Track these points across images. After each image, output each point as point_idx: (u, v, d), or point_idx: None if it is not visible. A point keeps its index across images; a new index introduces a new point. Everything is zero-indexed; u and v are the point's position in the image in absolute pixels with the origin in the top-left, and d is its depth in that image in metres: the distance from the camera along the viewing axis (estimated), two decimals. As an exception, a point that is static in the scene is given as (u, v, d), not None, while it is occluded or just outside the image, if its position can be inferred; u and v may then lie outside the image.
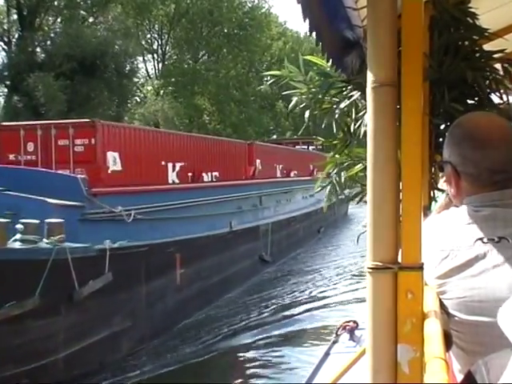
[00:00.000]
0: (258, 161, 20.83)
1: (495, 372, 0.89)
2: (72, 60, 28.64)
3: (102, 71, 30.93)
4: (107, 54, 30.40)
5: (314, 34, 2.10)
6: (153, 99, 42.52)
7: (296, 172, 26.62)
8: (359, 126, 3.37)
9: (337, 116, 3.59)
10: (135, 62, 38.12)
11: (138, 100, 45.00)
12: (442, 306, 1.38)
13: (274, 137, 53.84)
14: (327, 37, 2.30)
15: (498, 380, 0.87)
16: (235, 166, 19.66)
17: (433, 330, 1.07)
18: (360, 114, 3.37)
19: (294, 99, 3.85)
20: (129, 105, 40.47)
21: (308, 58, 4.16)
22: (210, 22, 48.74)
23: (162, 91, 45.64)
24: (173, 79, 48.13)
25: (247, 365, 11.03)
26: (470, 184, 1.47)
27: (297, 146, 33.24)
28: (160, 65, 49.39)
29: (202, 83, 48.30)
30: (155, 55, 49.52)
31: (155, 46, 49.64)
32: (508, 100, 3.00)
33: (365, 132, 3.10)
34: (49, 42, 31.81)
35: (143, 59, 49.39)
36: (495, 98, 3.02)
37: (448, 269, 1.39)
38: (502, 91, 2.97)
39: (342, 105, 3.44)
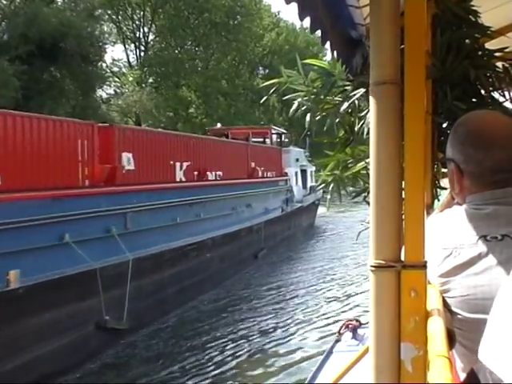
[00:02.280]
0: (125, 155, 12.90)
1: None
2: (29, 42, 25.53)
3: (64, 56, 27.86)
4: (68, 37, 27.18)
5: (318, 32, 2.10)
6: (131, 90, 40.27)
7: (220, 173, 18.37)
8: (362, 124, 3.37)
9: (339, 116, 3.58)
10: (104, 47, 35.00)
11: (118, 91, 42.99)
12: (446, 304, 1.38)
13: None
14: (333, 36, 2.30)
15: (502, 378, 0.86)
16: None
17: (436, 328, 1.07)
18: (363, 112, 3.37)
19: (295, 103, 3.81)
20: (99, 95, 37.76)
21: (307, 61, 4.14)
22: (196, 8, 46.04)
23: (142, 81, 43.56)
24: (154, 69, 45.64)
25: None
26: (472, 182, 1.47)
27: (253, 139, 25.92)
28: (143, 54, 47.06)
29: (187, 74, 46.05)
30: (137, 44, 47.10)
31: (138, 34, 47.12)
32: (511, 98, 3.00)
33: (368, 130, 3.10)
34: (3, 23, 28.63)
35: (124, 48, 47.38)
36: (497, 96, 3.02)
37: (451, 267, 1.39)
38: (504, 89, 2.97)
39: (345, 104, 3.43)
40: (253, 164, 21.78)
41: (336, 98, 3.61)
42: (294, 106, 3.80)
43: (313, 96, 3.69)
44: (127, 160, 12.95)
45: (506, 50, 2.95)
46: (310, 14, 1.71)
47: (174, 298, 13.19)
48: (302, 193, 28.72)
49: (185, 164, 15.90)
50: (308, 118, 3.73)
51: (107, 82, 41.32)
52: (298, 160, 28.72)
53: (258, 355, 10.51)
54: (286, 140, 30.41)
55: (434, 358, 1.00)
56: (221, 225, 16.55)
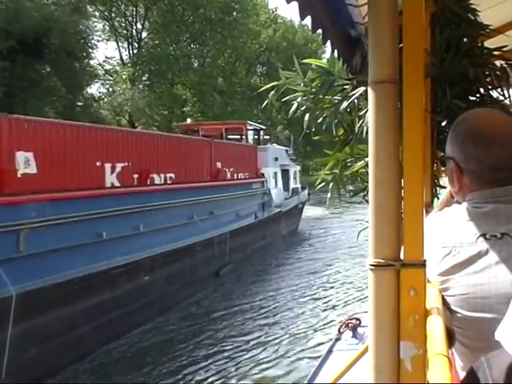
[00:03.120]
0: (21, 155, 10.00)
1: (498, 368, 0.89)
2: (10, 38, 24.06)
3: (48, 52, 26.67)
4: (52, 32, 25.86)
5: (319, 31, 2.10)
6: (123, 88, 39.14)
7: (172, 176, 15.33)
8: (361, 123, 3.36)
9: (339, 115, 3.57)
10: (91, 44, 33.87)
11: (110, 89, 42.13)
12: (445, 302, 1.38)
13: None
14: (333, 35, 2.30)
15: (501, 376, 0.87)
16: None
17: (435, 326, 1.07)
18: (362, 111, 3.36)
19: (295, 103, 3.79)
20: (90, 93, 36.61)
21: (306, 61, 4.13)
22: (191, 4, 44.98)
23: (135, 79, 42.61)
24: (147, 66, 44.67)
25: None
26: (472, 181, 1.47)
27: (230, 136, 24.08)
28: (136, 51, 46.05)
29: (182, 71, 45.00)
30: (130, 41, 46.22)
31: (131, 31, 46.14)
32: (510, 96, 3.00)
33: (367, 129, 3.09)
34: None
35: (117, 45, 46.46)
36: (496, 94, 3.02)
37: (450, 265, 1.39)
38: (503, 88, 2.97)
39: (345, 103, 3.42)
40: (219, 164, 18.40)
41: (335, 98, 3.60)
42: (294, 107, 3.79)
43: (312, 96, 3.69)
44: (24, 161, 10.05)
45: (505, 49, 2.95)
46: (310, 13, 1.72)
47: (89, 337, 9.97)
48: (282, 196, 25.51)
49: (119, 165, 12.77)
50: (307, 117, 3.71)
51: (97, 80, 40.41)
52: (277, 159, 25.21)
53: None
54: (267, 137, 27.44)
55: (434, 357, 1.00)
56: (170, 238, 13.23)
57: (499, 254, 1.33)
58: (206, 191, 15.90)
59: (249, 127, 25.24)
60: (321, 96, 3.62)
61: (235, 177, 19.94)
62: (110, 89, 42.43)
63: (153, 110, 41.41)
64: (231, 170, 19.62)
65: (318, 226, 29.75)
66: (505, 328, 0.88)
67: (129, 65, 44.69)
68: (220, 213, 16.54)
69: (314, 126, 3.77)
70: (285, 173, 26.95)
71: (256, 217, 20.20)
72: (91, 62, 36.71)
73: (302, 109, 3.77)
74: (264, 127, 28.09)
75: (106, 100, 39.72)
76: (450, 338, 1.17)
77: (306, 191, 29.95)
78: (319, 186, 3.84)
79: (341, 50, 2.67)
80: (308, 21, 1.81)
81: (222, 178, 18.53)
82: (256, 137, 26.32)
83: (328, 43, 2.44)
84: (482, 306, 1.32)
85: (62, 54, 27.47)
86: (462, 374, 1.38)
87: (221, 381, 8.93)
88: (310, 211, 33.67)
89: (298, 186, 29.40)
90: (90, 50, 33.95)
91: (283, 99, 4.04)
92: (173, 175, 15.34)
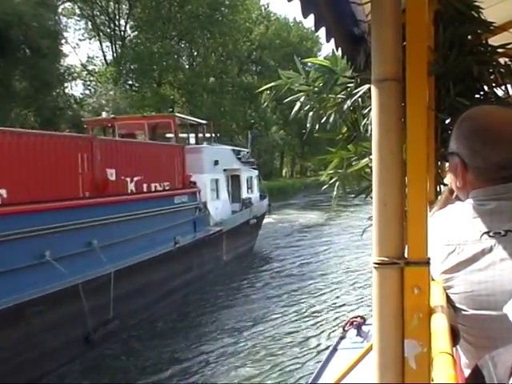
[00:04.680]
0: None
1: (503, 366, 0.89)
2: None
3: (9, 48, 24.48)
4: (12, 27, 23.69)
5: (322, 30, 2.10)
6: (104, 88, 37.81)
7: (3, 193, 9.47)
8: (365, 121, 3.36)
9: (343, 114, 3.56)
10: (60, 41, 32.32)
11: (92, 90, 40.91)
12: (449, 300, 1.38)
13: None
14: (337, 33, 2.30)
15: (506, 374, 0.87)
16: None
17: (440, 324, 1.07)
18: (366, 110, 3.36)
19: (298, 103, 3.77)
20: (65, 93, 35.15)
21: (308, 60, 4.12)
22: (177, 0, 43.56)
23: (117, 79, 41.02)
24: (129, 65, 43.14)
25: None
26: (476, 177, 1.47)
27: (169, 135, 19.10)
28: (119, 50, 44.49)
29: (169, 70, 43.54)
30: (113, 39, 44.70)
31: (114, 29, 44.60)
32: None
33: (371, 128, 3.09)
34: None
35: (100, 44, 45.21)
36: (500, 92, 3.01)
37: (454, 263, 1.39)
38: (507, 85, 2.96)
39: (348, 102, 3.41)
40: (109, 172, 12.78)
41: (339, 96, 3.59)
42: (297, 107, 3.77)
43: (315, 95, 3.68)
44: None
45: (509, 46, 2.94)
46: (313, 11, 1.72)
47: None
48: (228, 209, 19.98)
49: None
50: (310, 116, 3.70)
51: (76, 80, 39.43)
52: (217, 163, 19.07)
53: None
54: (208, 135, 21.36)
55: (438, 355, 1.00)
56: None
57: (503, 251, 1.32)
58: (80, 212, 11.02)
59: (178, 121, 18.72)
60: (324, 95, 3.62)
61: (144, 188, 14.21)
62: (93, 90, 41.28)
63: (138, 111, 39.22)
64: (137, 179, 13.85)
65: (293, 241, 24.49)
66: None
67: (111, 64, 43.51)
68: (106, 243, 11.37)
69: (316, 126, 3.76)
70: (234, 180, 21.60)
71: (176, 242, 14.43)
72: (71, 61, 35.94)
73: (306, 108, 3.75)
74: (204, 122, 21.58)
75: (87, 101, 38.29)
76: (455, 336, 1.17)
77: (266, 201, 24.98)
78: (324, 187, 3.83)
79: (344, 48, 2.67)
80: (311, 19, 1.81)
81: (116, 192, 12.89)
82: (201, 135, 20.73)
83: (331, 42, 2.43)
84: (486, 303, 1.31)
85: (24, 49, 25.70)
86: (467, 372, 1.38)
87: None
88: (301, 218, 31.63)
89: (255, 195, 23.99)
90: (63, 48, 32.55)
91: (286, 99, 4.01)
92: (4, 192, 9.46)
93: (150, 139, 18.09)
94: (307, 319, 12.48)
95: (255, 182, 24.43)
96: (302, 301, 14.11)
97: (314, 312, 13.01)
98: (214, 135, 22.73)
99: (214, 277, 16.77)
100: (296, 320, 12.41)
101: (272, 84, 3.97)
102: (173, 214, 14.92)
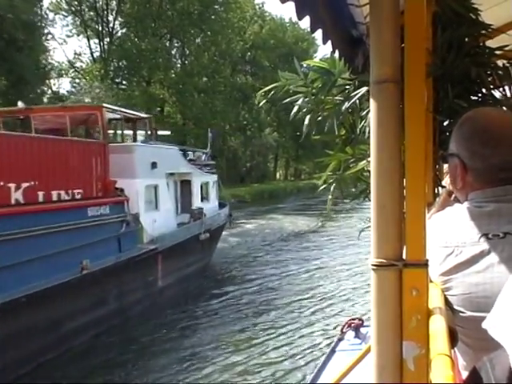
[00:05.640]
0: None
1: (501, 368, 0.89)
2: None
3: None
4: None
5: (319, 31, 2.10)
6: (88, 85, 37.06)
7: None
8: (363, 124, 3.36)
9: (340, 116, 3.56)
10: (41, 35, 31.56)
11: (78, 87, 39.91)
12: (447, 302, 1.38)
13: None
14: (334, 35, 2.30)
15: (504, 376, 0.86)
16: None
17: (438, 326, 1.07)
18: (364, 112, 3.36)
19: (296, 106, 3.76)
20: (50, 88, 34.31)
21: (306, 62, 4.12)
22: None
23: (102, 76, 40.11)
24: (115, 63, 42.25)
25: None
26: (476, 179, 1.47)
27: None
28: (107, 46, 43.44)
29: (160, 68, 42.45)
30: (101, 36, 43.65)
31: (102, 25, 43.51)
32: None
33: (369, 130, 3.09)
34: None
35: (87, 40, 44.14)
36: (497, 94, 3.02)
37: (453, 265, 1.39)
38: (505, 87, 2.96)
39: (346, 104, 3.41)
40: None
41: (337, 98, 3.59)
42: (295, 109, 3.76)
43: (313, 97, 3.67)
44: None
45: (507, 48, 2.95)
46: (309, 13, 1.71)
47: None
48: (172, 222, 16.28)
49: None
50: (307, 120, 3.69)
51: (57, 77, 38.29)
52: (156, 165, 15.09)
53: None
54: (150, 132, 17.68)
55: (436, 357, 1.00)
56: None
57: (502, 253, 1.32)
58: None
59: (109, 115, 14.88)
60: (322, 97, 3.61)
61: (40, 198, 10.96)
62: (79, 87, 40.22)
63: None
64: (26, 185, 10.59)
65: (268, 254, 21.32)
66: (493, 318, 0.88)
67: (98, 61, 42.50)
68: None
69: (314, 129, 3.75)
70: (185, 186, 17.91)
71: (84, 268, 11.23)
72: (59, 58, 35.05)
73: (304, 111, 3.74)
74: (143, 115, 18.19)
75: (71, 99, 36.76)
76: (453, 338, 1.17)
77: (226, 211, 21.13)
78: (321, 188, 3.82)
79: (342, 51, 2.67)
80: (306, 21, 1.80)
81: None
82: (141, 131, 17.51)
83: (326, 43, 2.43)
84: (484, 305, 1.31)
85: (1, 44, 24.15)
86: (465, 374, 1.38)
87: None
88: (286, 224, 28.98)
89: (212, 204, 20.17)
90: (49, 44, 32.02)
91: (282, 101, 3.99)
92: None
93: (77, 137, 14.79)
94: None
95: (213, 188, 20.55)
96: (261, 348, 10.59)
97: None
98: (154, 132, 18.50)
99: (143, 309, 13.23)
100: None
101: (271, 86, 3.95)
102: (84, 229, 11.67)
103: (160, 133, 23.33)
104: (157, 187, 15.43)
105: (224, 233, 21.34)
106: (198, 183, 18.81)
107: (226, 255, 20.86)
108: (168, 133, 30.24)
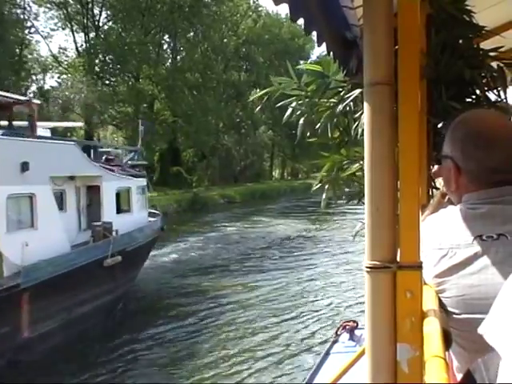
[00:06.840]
0: None
1: (495, 370, 0.89)
2: None
3: None
4: None
5: (314, 33, 2.10)
6: (71, 80, 35.79)
7: None
8: (357, 125, 3.36)
9: (334, 118, 3.56)
10: (20, 28, 31.15)
11: (61, 82, 38.88)
12: (442, 304, 1.38)
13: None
14: (328, 37, 2.30)
15: (498, 378, 0.86)
16: None
17: (432, 328, 1.07)
18: (358, 114, 3.36)
19: (290, 108, 3.77)
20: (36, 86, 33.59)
21: (301, 66, 4.13)
22: None
23: (86, 71, 38.54)
24: (100, 57, 40.75)
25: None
26: (470, 181, 1.47)
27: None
28: (92, 40, 41.76)
29: (150, 64, 41.19)
30: (86, 30, 42.16)
31: (88, 19, 41.91)
32: (506, 98, 3.00)
33: (362, 131, 3.09)
34: None
35: (72, 34, 42.58)
36: (491, 96, 3.02)
37: (447, 267, 1.39)
38: (499, 89, 2.97)
39: (340, 106, 3.42)
40: None
41: (331, 101, 3.60)
42: (289, 112, 3.77)
43: (307, 99, 3.68)
44: None
45: (501, 50, 2.95)
46: (303, 15, 1.71)
47: None
48: (63, 243, 12.12)
49: None
50: (301, 121, 3.70)
51: (40, 72, 36.84)
52: (27, 167, 10.99)
53: None
54: (31, 121, 13.17)
55: (431, 359, 1.00)
56: None
57: (496, 255, 1.32)
58: None
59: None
60: (316, 99, 3.62)
61: None
62: (63, 82, 39.14)
63: (111, 106, 37.01)
64: None
65: (226, 273, 17.06)
66: (489, 323, 0.88)
67: (82, 55, 41.14)
68: None
69: (308, 131, 3.76)
70: (93, 194, 14.36)
71: None
72: (44, 52, 33.70)
73: (298, 113, 3.75)
74: (22, 98, 14.09)
75: (55, 94, 36.14)
76: (447, 340, 1.17)
77: (157, 223, 17.45)
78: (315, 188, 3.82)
79: (336, 53, 2.67)
80: (301, 22, 1.80)
81: None
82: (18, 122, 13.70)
83: (322, 45, 2.43)
84: (478, 307, 1.31)
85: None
86: (459, 376, 1.38)
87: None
88: (268, 229, 26.64)
89: (136, 215, 16.16)
90: (32, 37, 31.08)
91: (277, 102, 4.01)
92: None
93: None
94: None
95: (138, 195, 16.50)
96: None
97: None
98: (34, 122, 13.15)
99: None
100: None
101: (264, 91, 3.96)
102: None
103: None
104: (32, 197, 11.41)
105: (194, 239, 17.64)
106: (111, 190, 14.73)
107: (167, 278, 16.15)
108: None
